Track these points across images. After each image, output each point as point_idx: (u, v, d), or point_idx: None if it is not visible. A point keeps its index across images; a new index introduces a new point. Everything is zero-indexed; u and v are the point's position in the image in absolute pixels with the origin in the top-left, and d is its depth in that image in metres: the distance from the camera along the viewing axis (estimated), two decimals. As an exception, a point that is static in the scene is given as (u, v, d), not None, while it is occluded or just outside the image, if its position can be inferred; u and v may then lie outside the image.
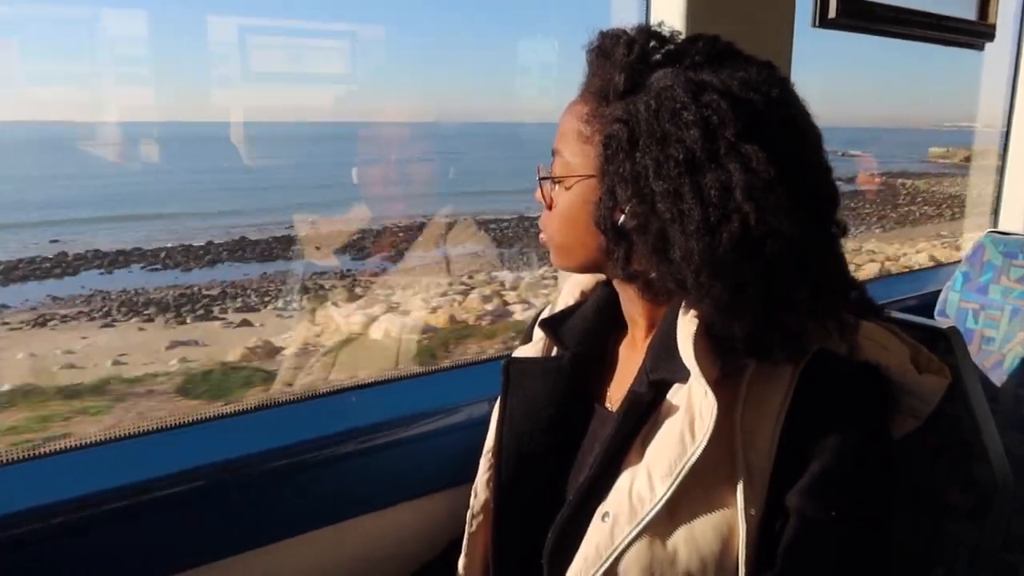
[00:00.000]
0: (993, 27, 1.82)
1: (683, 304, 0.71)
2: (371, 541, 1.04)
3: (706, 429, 0.65)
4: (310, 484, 0.99)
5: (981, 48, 1.84)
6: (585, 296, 0.91)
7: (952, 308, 1.52)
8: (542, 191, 0.80)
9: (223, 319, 10.05)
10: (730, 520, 0.65)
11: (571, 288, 0.93)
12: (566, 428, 0.83)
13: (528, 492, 0.82)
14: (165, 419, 1.02)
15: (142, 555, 0.88)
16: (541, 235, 0.82)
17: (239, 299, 11.05)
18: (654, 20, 0.78)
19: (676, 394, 0.71)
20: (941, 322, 0.97)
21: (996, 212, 2.09)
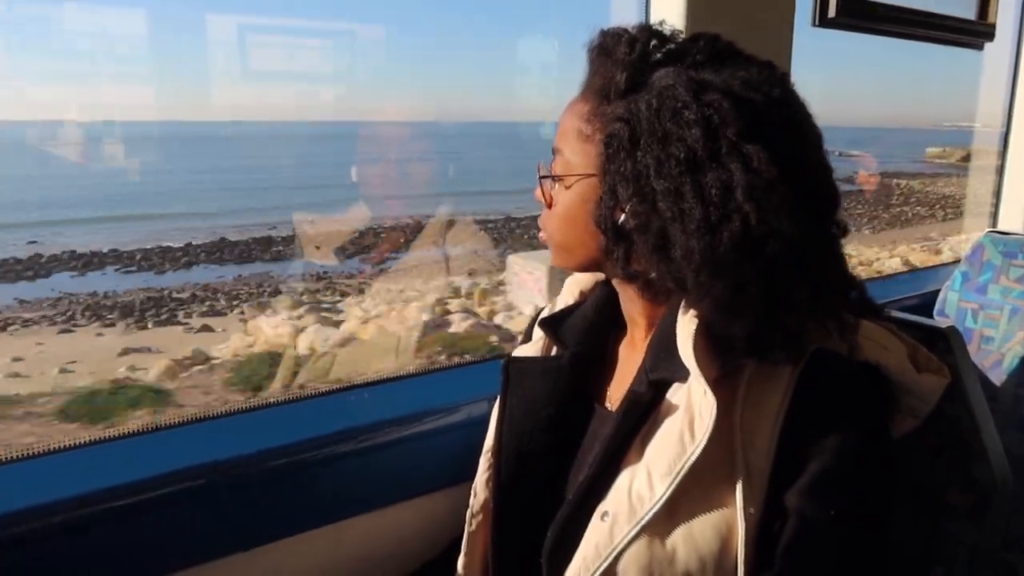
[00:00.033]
0: (993, 27, 1.82)
1: (682, 304, 0.71)
2: (371, 540, 1.04)
3: (705, 429, 0.65)
4: (310, 483, 0.99)
5: (981, 48, 1.84)
6: (585, 295, 0.91)
7: (951, 308, 1.52)
8: (542, 190, 0.80)
9: (186, 324, 9.83)
10: (729, 519, 0.65)
11: (571, 287, 0.93)
12: (566, 428, 0.83)
13: (528, 491, 0.82)
14: (165, 418, 1.02)
15: (142, 553, 0.88)
16: (540, 234, 0.82)
17: (207, 303, 10.85)
18: (654, 19, 0.78)
19: (675, 394, 0.71)
20: (940, 322, 0.98)
21: (995, 212, 2.09)
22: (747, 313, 0.65)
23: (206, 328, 9.40)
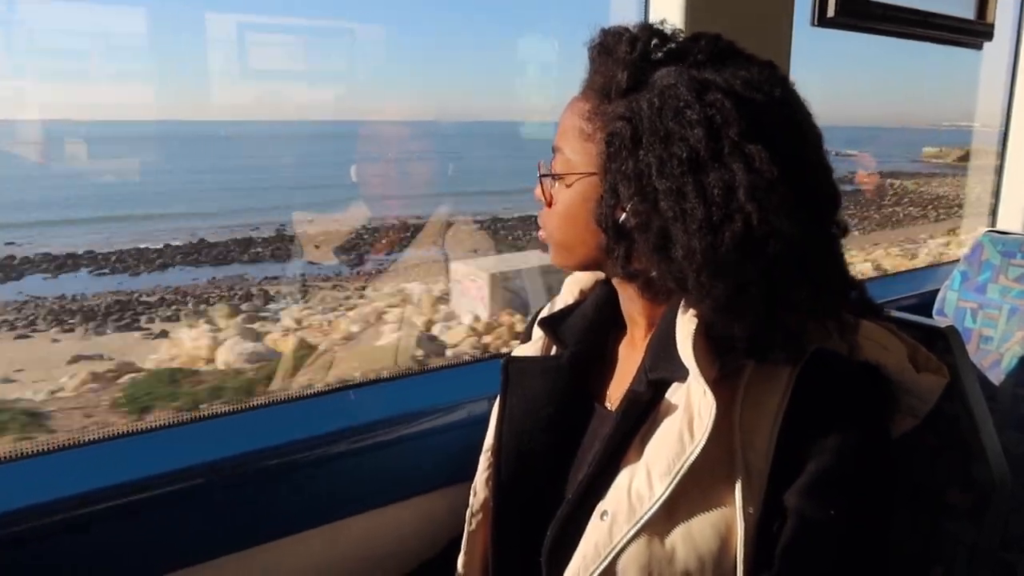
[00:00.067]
0: (991, 26, 1.82)
1: (682, 303, 0.71)
2: (370, 539, 1.04)
3: (705, 428, 0.65)
4: (309, 482, 0.99)
5: (980, 47, 1.84)
6: (584, 295, 0.91)
7: (950, 307, 1.52)
8: (542, 188, 0.80)
9: (147, 329, 9.51)
10: (728, 519, 0.65)
11: (570, 286, 0.93)
12: (565, 427, 0.83)
13: (527, 491, 0.82)
14: (164, 418, 1.02)
15: (141, 552, 0.88)
16: (540, 232, 0.82)
17: (174, 307, 10.51)
18: (654, 18, 0.78)
19: (675, 393, 0.71)
20: (939, 321, 0.98)
21: (994, 211, 2.09)
22: (748, 313, 0.65)
23: (165, 334, 8.97)
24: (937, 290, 1.56)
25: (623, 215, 0.70)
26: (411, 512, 1.07)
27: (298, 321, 7.51)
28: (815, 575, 0.66)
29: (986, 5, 1.81)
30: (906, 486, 0.93)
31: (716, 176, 0.64)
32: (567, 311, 0.89)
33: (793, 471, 0.66)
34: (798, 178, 0.65)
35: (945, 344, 0.88)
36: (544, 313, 0.92)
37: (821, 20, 1.43)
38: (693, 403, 0.67)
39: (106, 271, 13.39)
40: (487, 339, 6.66)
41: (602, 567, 0.67)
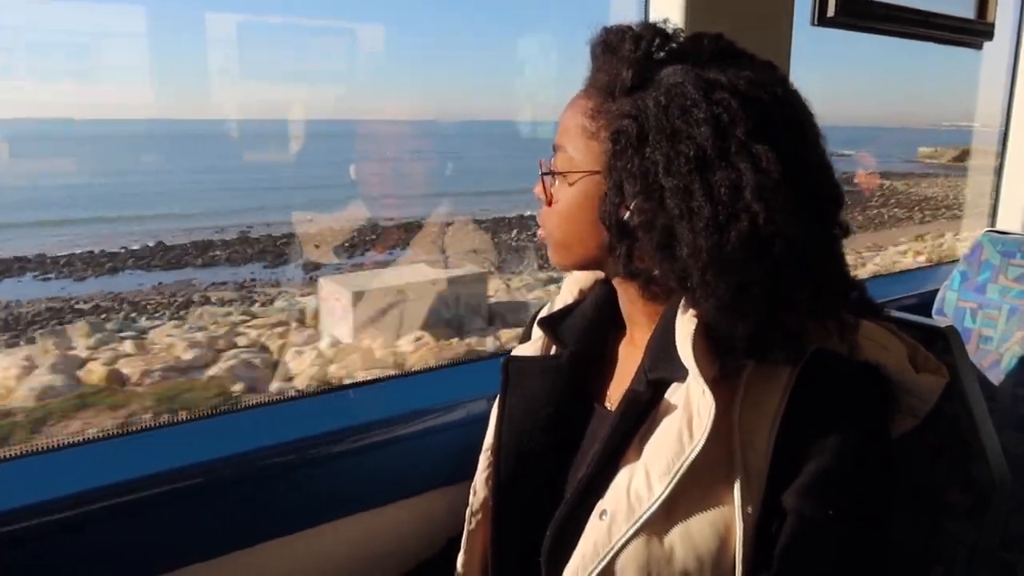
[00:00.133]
0: (992, 26, 1.82)
1: (682, 303, 0.71)
2: (369, 538, 1.04)
3: (704, 428, 0.65)
4: (307, 482, 0.99)
5: (980, 47, 1.84)
6: (584, 294, 0.91)
7: (950, 307, 1.52)
8: (543, 186, 0.80)
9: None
10: (727, 518, 0.65)
11: (570, 286, 0.93)
12: (565, 427, 0.82)
13: (527, 490, 0.82)
14: (162, 417, 1.02)
15: (139, 552, 0.88)
16: (539, 231, 0.82)
17: (103, 315, 10.02)
18: (654, 18, 0.78)
19: (674, 393, 0.71)
20: (939, 321, 0.97)
21: (994, 211, 2.09)
22: (750, 313, 0.65)
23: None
24: (937, 290, 1.56)
25: (627, 213, 0.70)
26: (410, 512, 1.06)
27: (139, 346, 6.65)
28: (814, 575, 0.66)
29: (986, 5, 1.81)
30: (906, 486, 0.93)
31: (723, 175, 0.64)
32: (566, 311, 0.89)
33: (792, 471, 0.66)
34: (800, 178, 0.65)
35: (945, 344, 0.88)
36: (544, 313, 0.92)
37: (821, 20, 1.42)
38: (692, 403, 0.67)
39: (51, 276, 12.94)
40: (333, 368, 6.03)
41: (601, 566, 0.67)
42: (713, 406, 0.64)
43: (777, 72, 0.72)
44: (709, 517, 0.65)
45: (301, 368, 6.07)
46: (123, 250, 14.57)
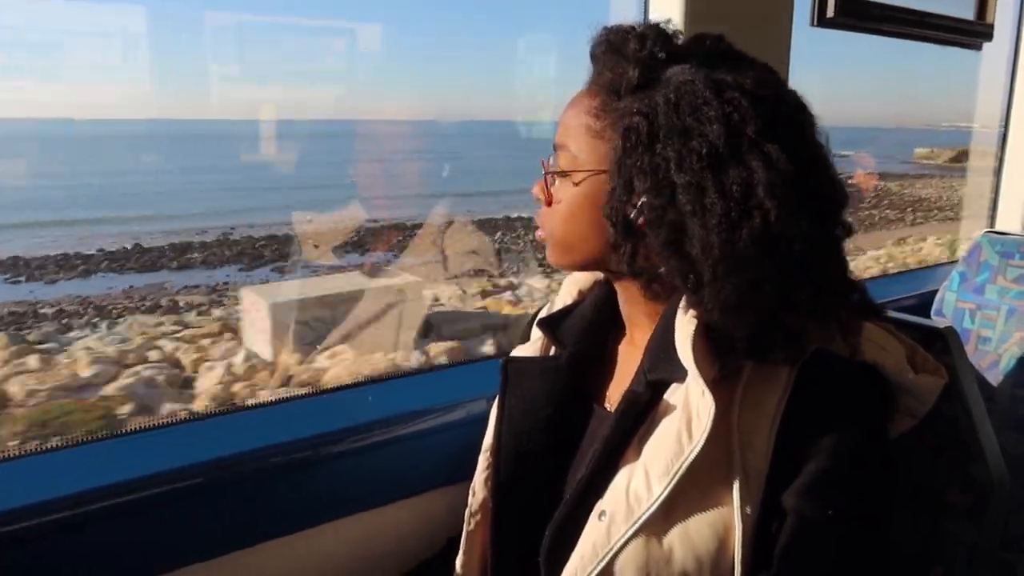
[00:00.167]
0: (991, 27, 1.82)
1: (682, 304, 0.71)
2: (369, 539, 1.04)
3: (703, 429, 0.65)
4: (307, 481, 0.99)
5: (979, 48, 1.84)
6: (583, 295, 0.91)
7: (949, 308, 1.52)
8: (544, 186, 0.79)
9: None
10: (726, 519, 0.65)
11: (569, 287, 0.93)
12: (564, 428, 0.82)
13: (526, 491, 0.82)
14: (162, 417, 1.02)
15: (139, 552, 0.88)
16: (539, 231, 0.82)
17: (65, 320, 9.69)
18: (654, 18, 0.78)
19: (674, 394, 0.71)
20: (938, 322, 0.98)
21: (993, 212, 2.09)
22: (757, 311, 0.65)
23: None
24: (936, 291, 1.56)
25: (634, 210, 0.70)
26: (409, 512, 1.06)
27: (45, 361, 6.11)
28: (814, 575, 0.66)
29: (986, 5, 1.81)
30: (906, 486, 0.93)
31: (735, 173, 0.64)
32: (566, 311, 0.89)
33: (792, 471, 0.66)
34: (802, 177, 0.65)
35: (943, 345, 0.88)
36: (543, 313, 0.92)
37: (821, 20, 1.42)
38: (692, 404, 0.67)
39: (21, 279, 12.63)
40: (237, 387, 5.59)
41: (600, 567, 0.67)
42: (712, 407, 0.65)
43: (776, 74, 0.72)
44: (708, 518, 0.66)
45: (206, 386, 5.67)
46: (98, 252, 14.28)
